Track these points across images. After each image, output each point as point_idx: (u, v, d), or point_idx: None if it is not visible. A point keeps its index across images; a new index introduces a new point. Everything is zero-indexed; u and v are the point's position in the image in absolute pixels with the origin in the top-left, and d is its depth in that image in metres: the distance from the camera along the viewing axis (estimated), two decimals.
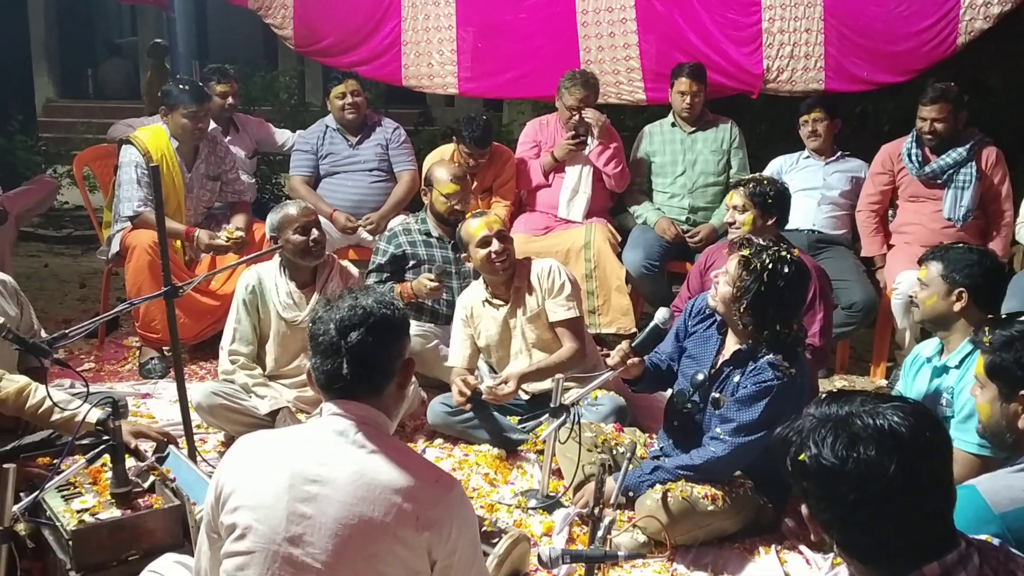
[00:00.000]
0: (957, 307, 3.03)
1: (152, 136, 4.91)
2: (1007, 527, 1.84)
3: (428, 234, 4.61)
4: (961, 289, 3.03)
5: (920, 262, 3.23)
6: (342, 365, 1.96)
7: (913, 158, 4.81)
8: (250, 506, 1.90)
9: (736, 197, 3.97)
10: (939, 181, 4.77)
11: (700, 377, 3.26)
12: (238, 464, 1.98)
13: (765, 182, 4.02)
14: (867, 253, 5.01)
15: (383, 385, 2.01)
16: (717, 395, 3.19)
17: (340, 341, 1.96)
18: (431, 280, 4.37)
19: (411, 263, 4.57)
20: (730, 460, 3.13)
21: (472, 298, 4.12)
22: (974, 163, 4.69)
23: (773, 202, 3.95)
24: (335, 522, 1.86)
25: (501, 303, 4.04)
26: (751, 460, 3.16)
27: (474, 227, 3.95)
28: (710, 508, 3.12)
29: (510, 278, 4.01)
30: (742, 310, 3.09)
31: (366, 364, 1.98)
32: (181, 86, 4.97)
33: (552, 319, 3.97)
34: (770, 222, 3.96)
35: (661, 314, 3.36)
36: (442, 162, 4.81)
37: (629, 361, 3.32)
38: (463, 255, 4.11)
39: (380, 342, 2.00)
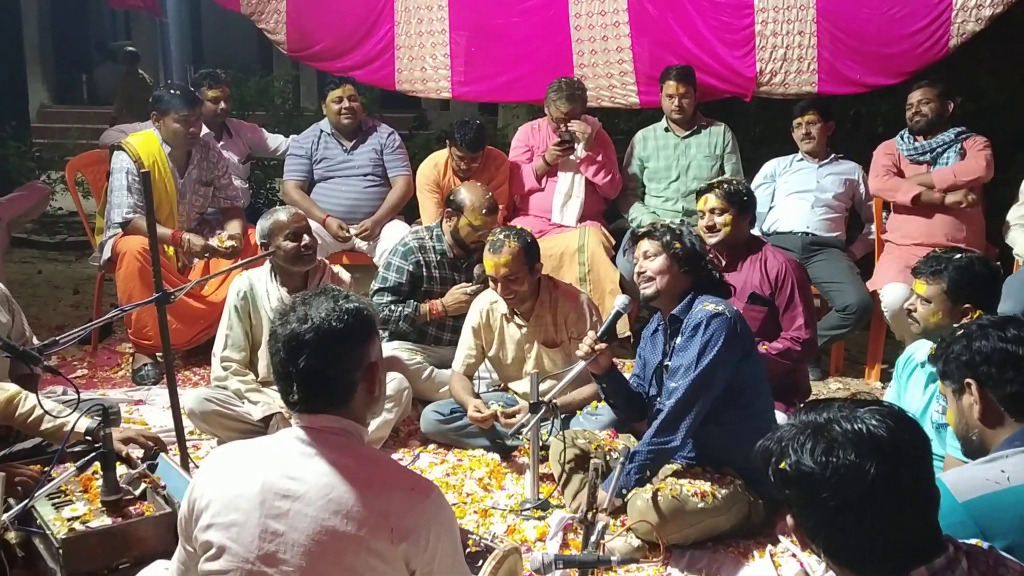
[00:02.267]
0: (964, 321, 3.01)
1: (144, 142, 4.90)
2: (971, 515, 1.85)
3: (443, 254, 4.47)
4: (968, 305, 3.02)
5: (915, 274, 3.20)
6: (292, 388, 1.90)
7: (905, 139, 4.94)
8: (223, 524, 1.87)
9: (712, 200, 3.99)
10: (926, 158, 4.88)
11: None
12: (210, 478, 1.93)
13: (735, 182, 4.09)
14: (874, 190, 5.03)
15: (346, 397, 1.93)
16: (667, 363, 3.32)
17: (289, 365, 1.90)
18: (466, 294, 4.30)
19: (423, 285, 4.45)
20: (688, 400, 3.16)
21: (490, 307, 4.06)
22: (960, 145, 4.82)
23: (748, 200, 4.05)
24: (307, 538, 1.82)
25: (522, 322, 4.01)
26: (713, 397, 3.19)
27: (487, 261, 3.88)
28: (700, 505, 3.12)
29: (532, 302, 3.98)
30: (680, 269, 3.29)
31: (318, 386, 1.90)
32: (172, 91, 4.97)
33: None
34: (746, 222, 4.04)
35: (621, 300, 3.51)
36: (474, 187, 4.53)
37: (597, 346, 3.35)
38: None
39: (332, 359, 1.90)
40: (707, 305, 3.21)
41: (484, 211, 4.34)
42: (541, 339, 4.00)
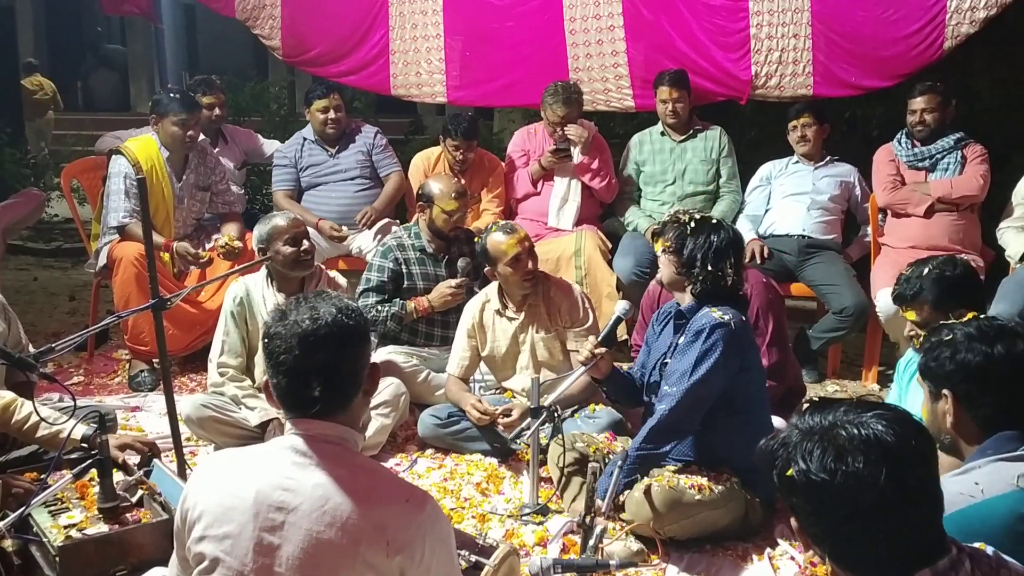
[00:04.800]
0: (954, 320, 2.99)
1: (142, 146, 4.90)
2: (949, 531, 1.84)
3: (423, 250, 4.50)
4: (961, 309, 3.01)
5: (898, 303, 3.17)
6: (312, 388, 1.86)
7: (903, 144, 4.93)
8: (216, 536, 1.84)
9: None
10: (925, 164, 4.89)
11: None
12: (203, 488, 1.90)
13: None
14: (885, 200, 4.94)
15: (352, 397, 1.93)
16: (667, 360, 3.28)
17: (307, 362, 1.86)
18: (451, 287, 4.34)
19: (406, 282, 4.46)
20: (681, 409, 3.13)
21: (482, 306, 4.10)
22: (960, 152, 4.83)
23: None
24: (302, 551, 1.79)
25: (514, 316, 4.03)
26: (705, 408, 3.16)
27: (504, 244, 3.90)
28: (697, 497, 3.11)
29: (526, 292, 4.01)
30: (677, 261, 3.24)
31: (336, 383, 1.89)
32: (172, 94, 4.98)
33: (569, 347, 4.00)
34: None
35: (621, 305, 3.48)
36: (439, 177, 4.69)
37: (597, 352, 3.35)
38: (486, 269, 4.08)
39: (348, 356, 1.91)
40: (714, 311, 3.15)
41: (453, 195, 4.42)
42: (535, 326, 4.01)
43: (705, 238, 3.22)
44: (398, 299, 4.42)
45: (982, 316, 2.29)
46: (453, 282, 4.38)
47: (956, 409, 2.13)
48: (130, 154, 4.83)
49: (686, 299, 3.29)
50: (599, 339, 3.40)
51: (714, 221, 3.29)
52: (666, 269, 3.31)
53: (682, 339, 3.24)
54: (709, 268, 3.20)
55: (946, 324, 2.26)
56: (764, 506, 3.28)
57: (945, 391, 2.14)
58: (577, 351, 3.54)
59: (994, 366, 2.09)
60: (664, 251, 3.29)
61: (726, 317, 3.14)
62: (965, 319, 2.25)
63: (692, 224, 3.25)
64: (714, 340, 3.10)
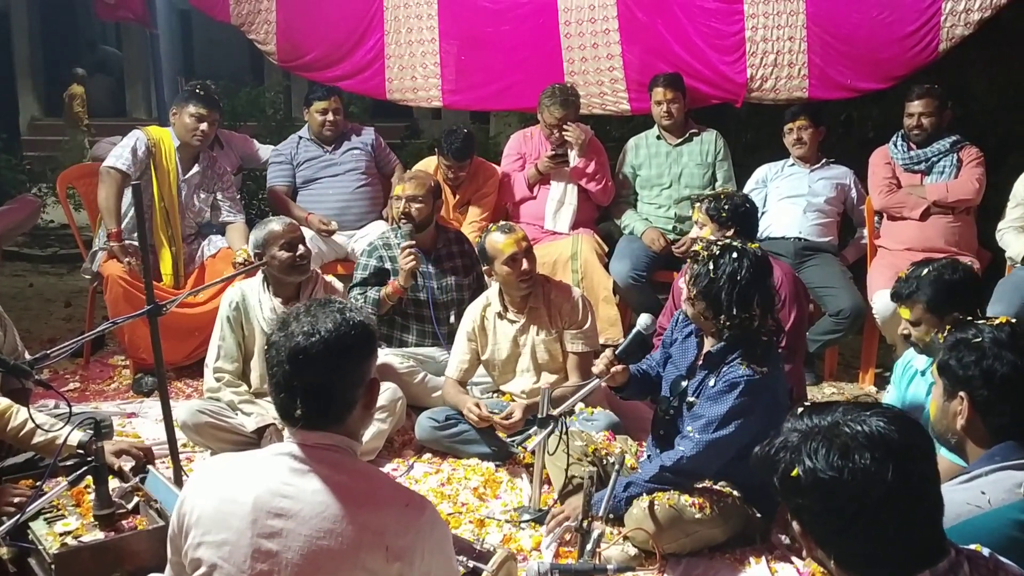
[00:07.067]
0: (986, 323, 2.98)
1: (158, 130, 5.02)
2: (954, 541, 1.84)
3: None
4: (956, 314, 3.00)
5: (895, 300, 3.15)
6: (296, 403, 1.86)
7: (899, 146, 4.95)
8: (213, 542, 1.84)
9: (697, 213, 4.06)
10: (921, 168, 4.89)
11: (683, 384, 3.28)
12: (200, 493, 1.90)
13: (723, 198, 4.01)
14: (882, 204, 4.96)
15: (344, 415, 1.90)
16: (692, 399, 3.21)
17: (293, 378, 1.85)
18: (403, 256, 4.30)
19: (392, 279, 4.46)
20: (700, 459, 3.11)
21: (482, 310, 4.10)
22: (956, 155, 4.84)
23: (728, 216, 3.94)
24: (301, 557, 1.79)
25: (515, 319, 4.03)
26: (724, 461, 3.14)
27: (501, 243, 3.91)
28: (697, 516, 3.10)
29: (528, 294, 4.01)
30: (696, 299, 3.13)
31: (322, 401, 1.87)
32: (196, 89, 5.06)
33: (567, 348, 4.01)
34: (728, 234, 3.89)
35: (643, 320, 3.44)
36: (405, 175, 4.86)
37: (613, 368, 3.33)
38: (484, 268, 4.10)
39: (338, 374, 1.87)
40: (751, 366, 3.05)
41: (398, 181, 4.56)
42: (536, 328, 4.01)
43: (729, 278, 3.07)
44: (373, 289, 4.43)
45: (1015, 321, 2.23)
46: (405, 243, 4.35)
47: (970, 413, 2.10)
48: (146, 130, 4.98)
49: (713, 341, 3.20)
50: (617, 353, 3.36)
51: (735, 255, 3.10)
52: (690, 310, 3.22)
53: (712, 382, 3.15)
54: (735, 312, 3.07)
55: (974, 322, 2.23)
56: (764, 520, 3.26)
57: (962, 393, 2.12)
58: (594, 364, 3.45)
59: (1021, 378, 2.07)
60: (687, 299, 3.20)
61: (764, 369, 3.07)
62: (997, 322, 2.20)
63: (712, 263, 3.11)
64: (749, 399, 3.03)
